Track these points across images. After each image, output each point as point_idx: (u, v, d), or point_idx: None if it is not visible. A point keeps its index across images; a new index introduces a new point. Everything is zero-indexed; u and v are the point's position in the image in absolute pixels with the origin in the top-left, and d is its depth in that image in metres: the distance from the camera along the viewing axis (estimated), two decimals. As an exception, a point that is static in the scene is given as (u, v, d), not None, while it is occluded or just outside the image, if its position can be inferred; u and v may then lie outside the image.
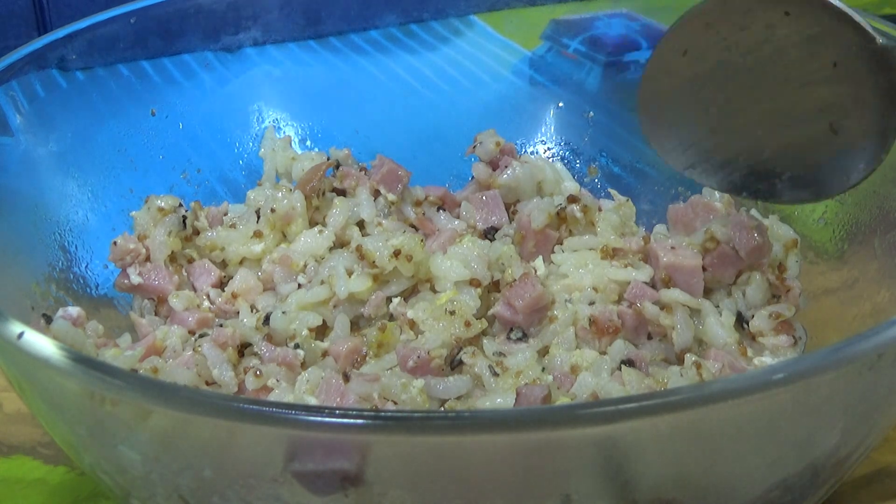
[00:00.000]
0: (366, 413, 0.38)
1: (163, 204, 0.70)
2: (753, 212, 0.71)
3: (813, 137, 0.60)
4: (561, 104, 0.86)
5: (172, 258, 0.70)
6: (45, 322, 0.59)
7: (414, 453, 0.41)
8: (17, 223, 0.65)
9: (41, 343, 0.43)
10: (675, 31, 0.63)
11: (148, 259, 0.69)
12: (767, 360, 0.64)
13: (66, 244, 0.68)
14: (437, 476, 0.42)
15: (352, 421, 0.38)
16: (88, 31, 0.73)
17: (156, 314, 0.69)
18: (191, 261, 0.71)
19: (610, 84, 0.86)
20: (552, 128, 0.84)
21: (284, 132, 0.82)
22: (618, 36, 0.86)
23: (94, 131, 0.75)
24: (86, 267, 0.69)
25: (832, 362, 0.40)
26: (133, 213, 0.70)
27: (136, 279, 0.68)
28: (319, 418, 0.38)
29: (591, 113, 0.85)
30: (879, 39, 0.56)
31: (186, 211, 0.71)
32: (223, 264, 0.71)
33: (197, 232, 0.71)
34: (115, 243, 0.68)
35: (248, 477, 0.42)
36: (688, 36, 0.62)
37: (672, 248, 0.66)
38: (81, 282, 0.69)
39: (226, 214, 0.74)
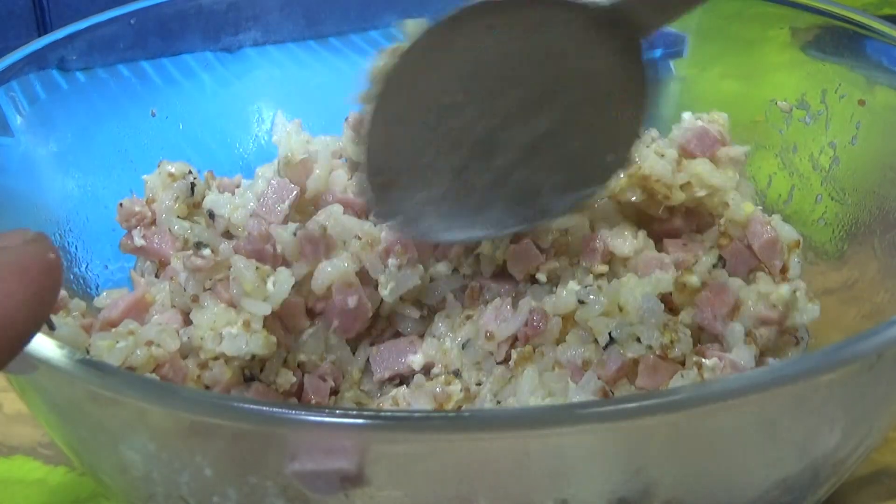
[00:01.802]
0: (365, 413, 0.38)
1: (173, 169, 0.69)
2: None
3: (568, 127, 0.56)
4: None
5: (179, 223, 0.70)
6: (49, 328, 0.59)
7: (414, 453, 0.41)
8: (16, 224, 0.65)
9: (41, 343, 0.43)
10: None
11: (154, 223, 0.69)
12: (770, 359, 0.64)
13: (66, 245, 0.68)
14: (437, 476, 0.42)
15: (351, 421, 0.38)
16: (88, 31, 0.73)
17: (156, 277, 0.69)
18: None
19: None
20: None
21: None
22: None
23: (94, 132, 0.75)
24: (86, 268, 0.69)
25: (832, 363, 0.40)
26: (144, 176, 0.70)
27: (139, 241, 0.68)
28: (318, 418, 0.38)
29: (591, 113, 0.85)
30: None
31: (196, 178, 0.70)
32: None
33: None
34: (121, 205, 0.68)
35: (249, 476, 0.42)
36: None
37: (684, 244, 0.66)
38: (81, 282, 0.69)
39: (238, 187, 0.74)
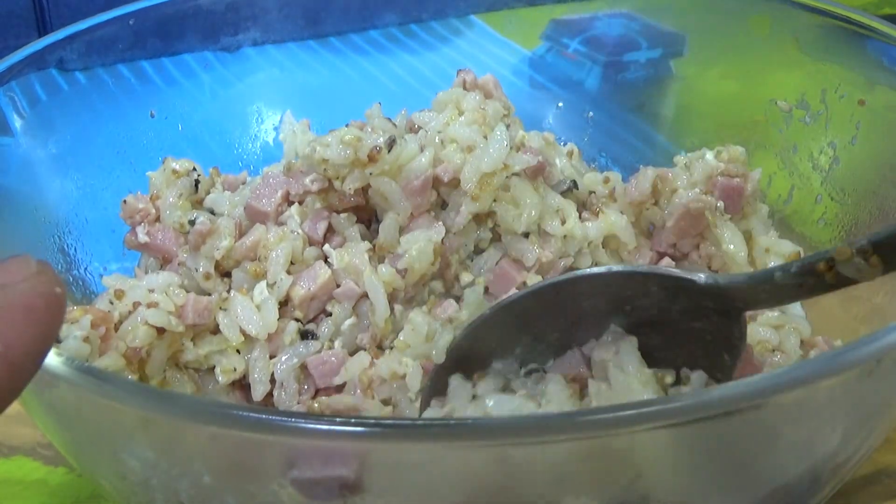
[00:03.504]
0: (365, 421, 0.38)
1: (177, 166, 0.70)
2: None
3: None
4: (561, 104, 0.86)
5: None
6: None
7: (413, 460, 0.41)
8: (16, 225, 0.65)
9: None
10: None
11: (158, 219, 0.69)
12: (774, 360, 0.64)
13: (65, 247, 0.68)
14: (435, 483, 0.42)
15: (351, 429, 0.38)
16: (88, 32, 0.73)
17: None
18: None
19: (610, 84, 0.86)
20: (552, 128, 0.84)
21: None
22: (617, 36, 0.86)
23: (93, 132, 0.75)
24: (85, 269, 0.69)
25: (831, 369, 0.40)
26: (149, 172, 0.70)
27: (143, 238, 0.68)
28: (318, 426, 0.38)
29: (591, 113, 0.85)
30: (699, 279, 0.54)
31: (200, 175, 0.70)
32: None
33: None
34: (125, 201, 0.69)
35: (247, 483, 0.42)
36: None
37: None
38: (81, 284, 0.69)
39: (244, 183, 0.74)
